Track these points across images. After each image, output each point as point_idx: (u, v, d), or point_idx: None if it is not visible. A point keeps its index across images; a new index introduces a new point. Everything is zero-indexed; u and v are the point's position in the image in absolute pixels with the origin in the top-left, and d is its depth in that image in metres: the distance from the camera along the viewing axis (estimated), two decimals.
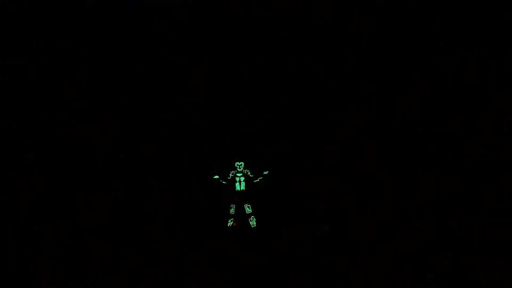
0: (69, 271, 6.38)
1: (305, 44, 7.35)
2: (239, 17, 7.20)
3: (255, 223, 7.18)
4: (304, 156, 7.33)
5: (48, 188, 6.88)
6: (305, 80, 7.41)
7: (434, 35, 7.06)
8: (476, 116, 6.90)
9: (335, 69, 7.34)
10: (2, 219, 6.64)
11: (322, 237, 6.80)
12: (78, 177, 7.00)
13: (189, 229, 7.01)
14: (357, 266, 6.33)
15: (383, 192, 7.05)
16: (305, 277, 6.29)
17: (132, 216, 6.98)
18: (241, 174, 7.34)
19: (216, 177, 7.30)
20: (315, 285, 6.19)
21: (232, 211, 7.23)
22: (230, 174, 7.33)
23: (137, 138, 7.24)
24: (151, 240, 6.84)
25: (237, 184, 7.32)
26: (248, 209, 7.23)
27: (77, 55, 7.13)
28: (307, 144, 7.35)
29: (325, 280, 6.22)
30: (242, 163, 7.35)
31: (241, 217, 7.22)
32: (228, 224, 7.18)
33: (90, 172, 7.04)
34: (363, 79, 7.29)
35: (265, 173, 7.29)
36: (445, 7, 6.97)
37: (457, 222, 6.60)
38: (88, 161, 7.07)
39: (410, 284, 6.03)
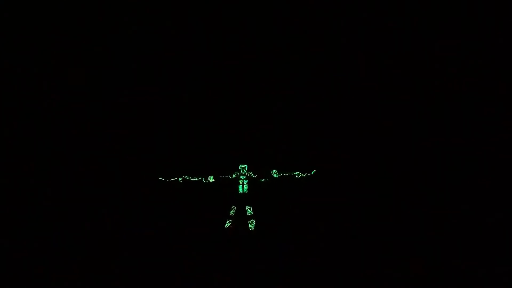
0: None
1: (308, 45, 7.30)
2: (239, 18, 7.23)
3: (253, 226, 7.06)
4: (308, 158, 7.23)
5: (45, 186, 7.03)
6: (307, 81, 7.33)
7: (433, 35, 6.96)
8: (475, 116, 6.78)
9: (336, 70, 7.24)
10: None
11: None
12: (77, 177, 7.10)
13: (188, 230, 7.01)
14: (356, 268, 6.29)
15: (386, 193, 6.86)
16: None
17: (130, 217, 7.02)
18: (245, 176, 7.28)
19: (211, 178, 7.28)
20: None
21: (232, 212, 7.17)
22: (234, 175, 7.30)
23: (138, 139, 7.28)
24: (150, 240, 6.86)
25: (239, 187, 7.26)
26: (249, 211, 7.14)
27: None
28: (312, 146, 7.25)
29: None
30: (246, 165, 7.30)
31: (241, 219, 7.11)
32: (226, 225, 7.11)
33: (89, 172, 7.11)
34: (364, 80, 7.18)
35: (273, 172, 7.18)
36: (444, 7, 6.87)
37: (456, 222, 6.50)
38: (88, 162, 7.15)
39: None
